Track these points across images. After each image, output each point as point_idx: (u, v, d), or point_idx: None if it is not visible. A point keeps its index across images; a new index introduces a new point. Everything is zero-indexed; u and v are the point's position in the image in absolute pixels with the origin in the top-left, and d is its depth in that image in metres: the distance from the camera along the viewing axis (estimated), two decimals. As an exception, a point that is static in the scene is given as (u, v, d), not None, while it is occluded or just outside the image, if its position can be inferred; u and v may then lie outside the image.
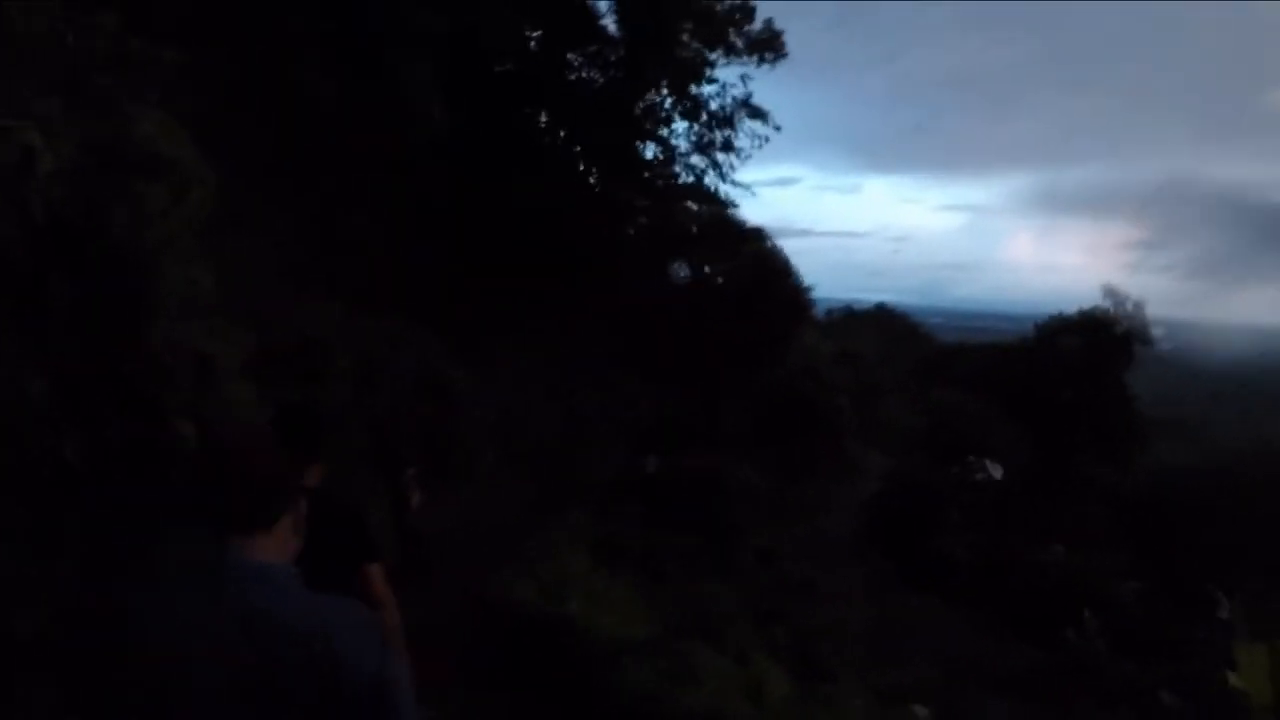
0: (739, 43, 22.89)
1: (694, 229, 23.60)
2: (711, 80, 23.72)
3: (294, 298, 9.88)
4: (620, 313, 20.70)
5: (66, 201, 3.51)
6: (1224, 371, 74.28)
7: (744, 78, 23.65)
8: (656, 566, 12.67)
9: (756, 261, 23.27)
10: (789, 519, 20.76)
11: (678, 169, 24.37)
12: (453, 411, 12.27)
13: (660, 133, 24.05)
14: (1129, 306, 34.25)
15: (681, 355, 20.91)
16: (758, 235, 23.90)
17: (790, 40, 23.55)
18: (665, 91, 23.55)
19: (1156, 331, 37.03)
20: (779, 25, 23.41)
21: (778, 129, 24.17)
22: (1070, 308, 36.02)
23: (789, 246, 25.37)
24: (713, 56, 23.09)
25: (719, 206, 24.00)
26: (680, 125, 24.20)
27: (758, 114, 24.01)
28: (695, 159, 24.30)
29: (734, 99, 23.84)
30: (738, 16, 22.84)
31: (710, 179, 24.21)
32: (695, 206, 24.19)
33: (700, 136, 24.21)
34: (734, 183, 24.23)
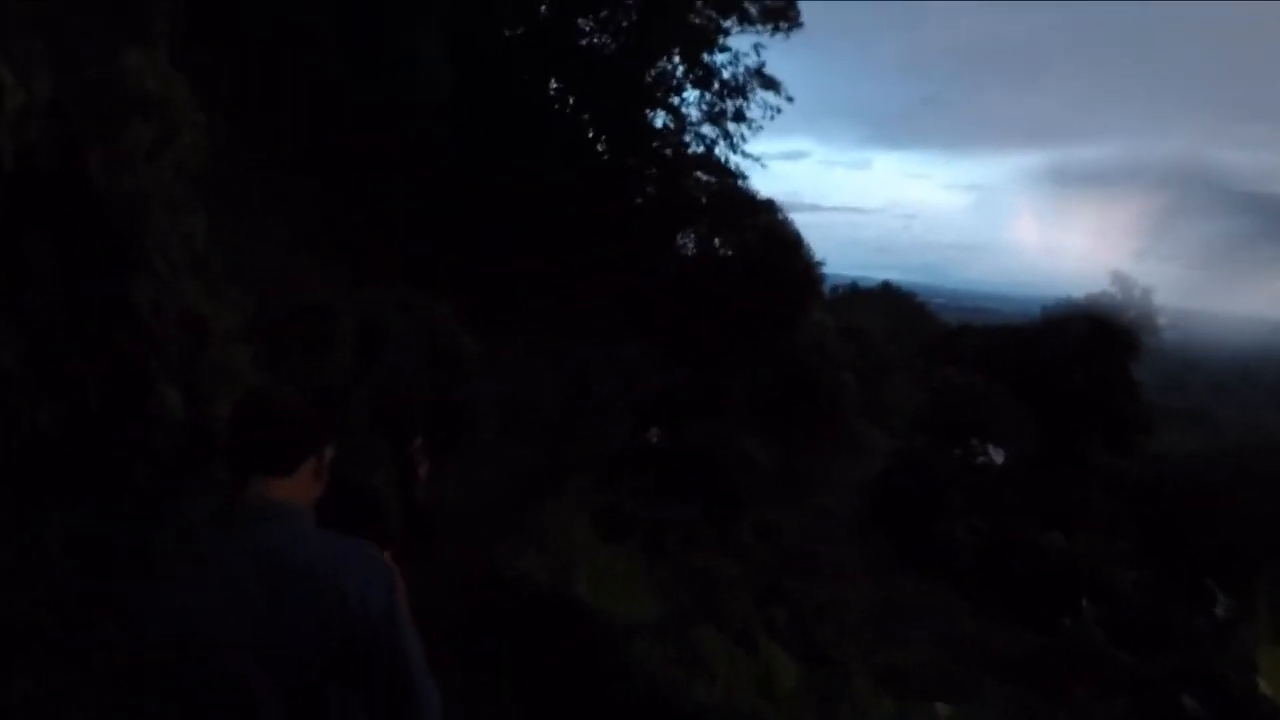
0: (753, 10, 22.45)
1: (704, 200, 23.28)
2: (724, 49, 23.36)
3: (299, 262, 9.68)
4: (628, 283, 20.48)
5: (41, 144, 3.17)
6: (1227, 362, 74.13)
7: (757, 47, 23.26)
8: (658, 539, 12.58)
9: (767, 234, 22.99)
10: (791, 495, 20.69)
11: (688, 138, 24.03)
12: (459, 380, 12.10)
13: (671, 101, 23.73)
14: (1136, 294, 34.05)
15: (689, 327, 20.72)
16: (769, 207, 23.58)
17: (801, 8, 23.17)
18: (677, 59, 23.16)
19: (1161, 320, 36.86)
20: (791, -7, 22.97)
21: (790, 100, 23.78)
22: (1076, 292, 35.87)
23: (796, 221, 25.10)
24: (726, 24, 22.67)
25: (729, 177, 23.67)
26: (691, 94, 23.88)
27: (770, 84, 23.63)
28: (706, 129, 23.99)
29: (746, 68, 23.48)
30: (752, -16, 22.39)
31: (720, 149, 23.90)
32: (705, 177, 23.84)
33: (711, 106, 23.87)
34: (744, 154, 23.94)
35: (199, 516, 3.63)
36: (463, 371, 12.92)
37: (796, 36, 23.39)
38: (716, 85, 23.50)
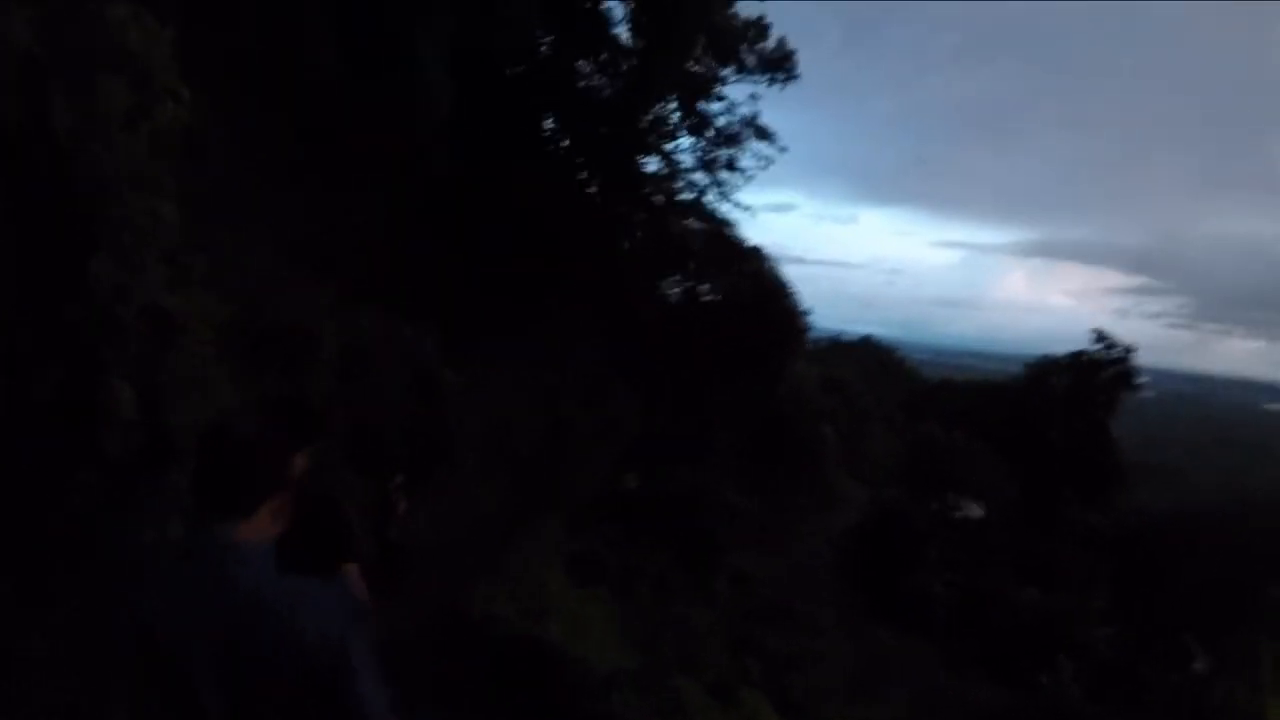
0: (751, 60, 22.77)
1: (694, 245, 23.40)
2: (720, 97, 23.64)
3: (283, 275, 9.58)
4: (614, 324, 20.46)
5: (8, 99, 2.91)
6: (1204, 421, 74.90)
7: (753, 96, 23.57)
8: (631, 586, 12.42)
9: (756, 281, 23.08)
10: (767, 544, 20.56)
11: (680, 184, 24.22)
12: (439, 412, 11.97)
13: (665, 147, 23.92)
14: (1118, 351, 34.41)
15: (673, 370, 20.68)
16: (757, 255, 23.71)
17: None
18: (673, 105, 23.42)
19: (1141, 379, 37.20)
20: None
21: (783, 150, 24.07)
22: (1058, 350, 36.20)
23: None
24: (724, 73, 22.98)
25: (718, 225, 23.83)
26: (685, 141, 24.09)
27: (764, 134, 23.88)
28: (698, 176, 24.18)
29: (741, 117, 23.74)
30: (751, 33, 22.73)
31: (711, 197, 24.08)
32: (694, 223, 24.00)
33: (705, 153, 24.08)
34: (734, 203, 24.14)
35: (147, 533, 3.46)
36: (442, 404, 12.78)
37: (788, 91, 23.78)
38: (711, 133, 23.76)
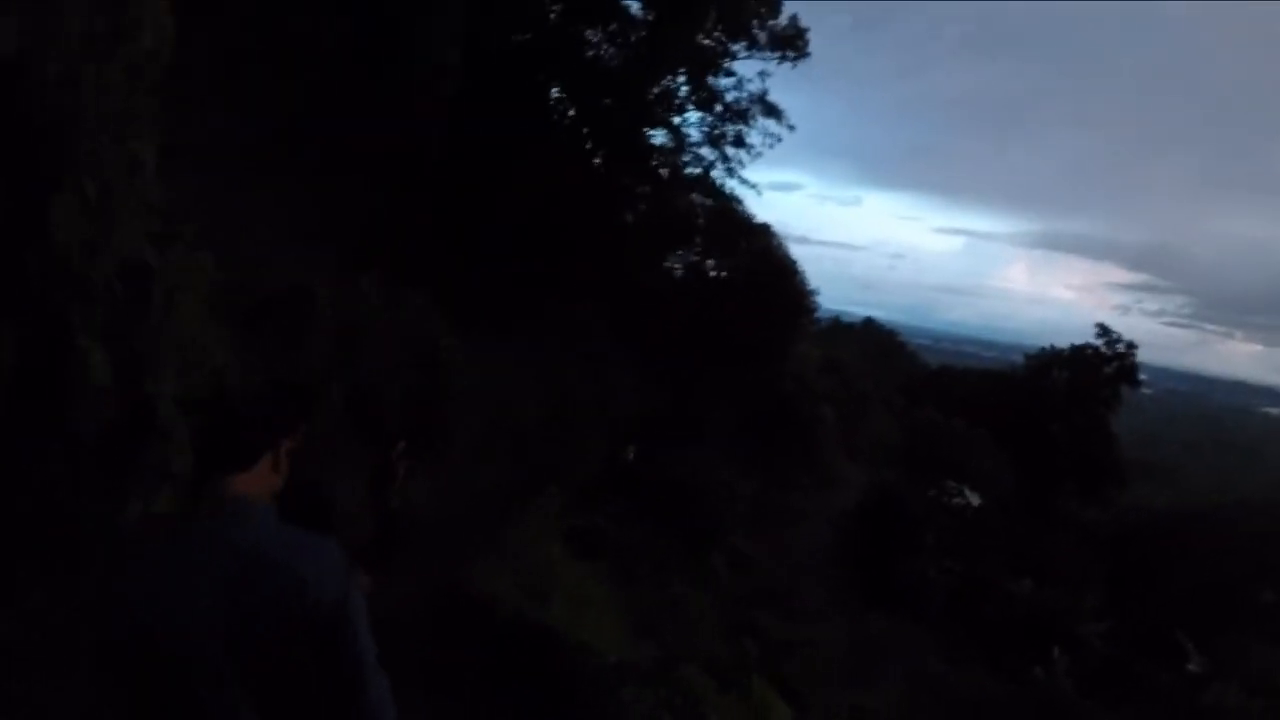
0: (762, 36, 22.40)
1: (699, 220, 23.10)
2: (729, 73, 23.27)
3: (285, 242, 9.33)
4: (618, 299, 20.21)
5: None
6: (1201, 421, 75.06)
7: (762, 74, 23.21)
8: (630, 564, 12.27)
9: (763, 258, 22.79)
10: (765, 525, 20.44)
11: (686, 159, 23.89)
12: (440, 382, 11.77)
13: (672, 120, 23.58)
14: (1121, 347, 34.29)
15: (675, 347, 20.47)
16: (764, 232, 23.40)
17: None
18: (682, 79, 23.06)
19: (1141, 375, 37.13)
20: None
21: (791, 129, 23.74)
22: (1059, 341, 36.10)
23: (786, 252, 24.91)
24: (734, 48, 22.60)
25: (725, 200, 23.53)
26: (693, 115, 23.75)
27: (772, 111, 23.52)
28: (705, 151, 23.84)
29: (750, 94, 23.38)
30: (763, 10, 22.34)
31: (718, 173, 23.78)
32: (700, 198, 23.71)
33: (712, 128, 23.74)
34: (741, 179, 23.83)
35: (132, 505, 3.22)
36: (443, 373, 12.58)
37: (796, 71, 23.43)
38: (719, 108, 23.40)
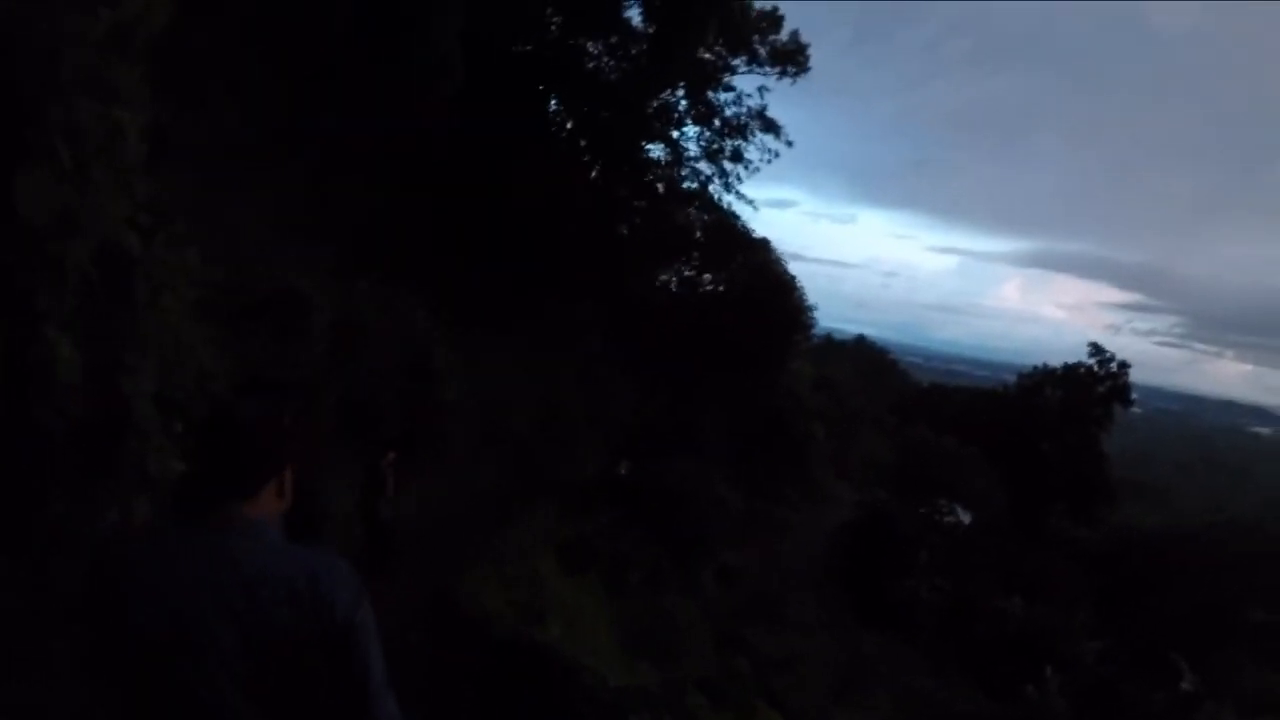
0: (763, 51, 22.46)
1: (697, 234, 23.08)
2: (728, 88, 23.33)
3: (278, 245, 9.23)
4: (614, 309, 20.15)
5: None
6: (1191, 441, 75.24)
7: (762, 89, 23.26)
8: (621, 575, 12.15)
9: (761, 272, 22.74)
10: (754, 539, 20.33)
11: (684, 173, 23.91)
12: (433, 389, 11.66)
13: (670, 134, 23.60)
14: (1113, 366, 34.37)
15: (672, 358, 20.39)
16: (763, 247, 23.37)
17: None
18: (681, 93, 23.10)
19: (1131, 395, 37.21)
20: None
21: (790, 144, 23.77)
22: (1050, 360, 36.15)
23: (779, 269, 24.87)
24: (734, 62, 22.66)
25: (722, 215, 23.52)
26: (691, 129, 23.77)
27: (771, 126, 23.57)
28: (702, 165, 23.86)
29: (749, 109, 23.43)
30: (764, 25, 22.42)
31: (715, 188, 23.79)
32: (698, 213, 23.70)
33: (710, 143, 23.77)
34: (738, 194, 23.83)
35: (109, 514, 3.09)
36: (437, 381, 12.47)
37: (793, 87, 23.48)
38: (717, 123, 23.45)
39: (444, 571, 7.65)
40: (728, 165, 23.79)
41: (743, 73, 22.89)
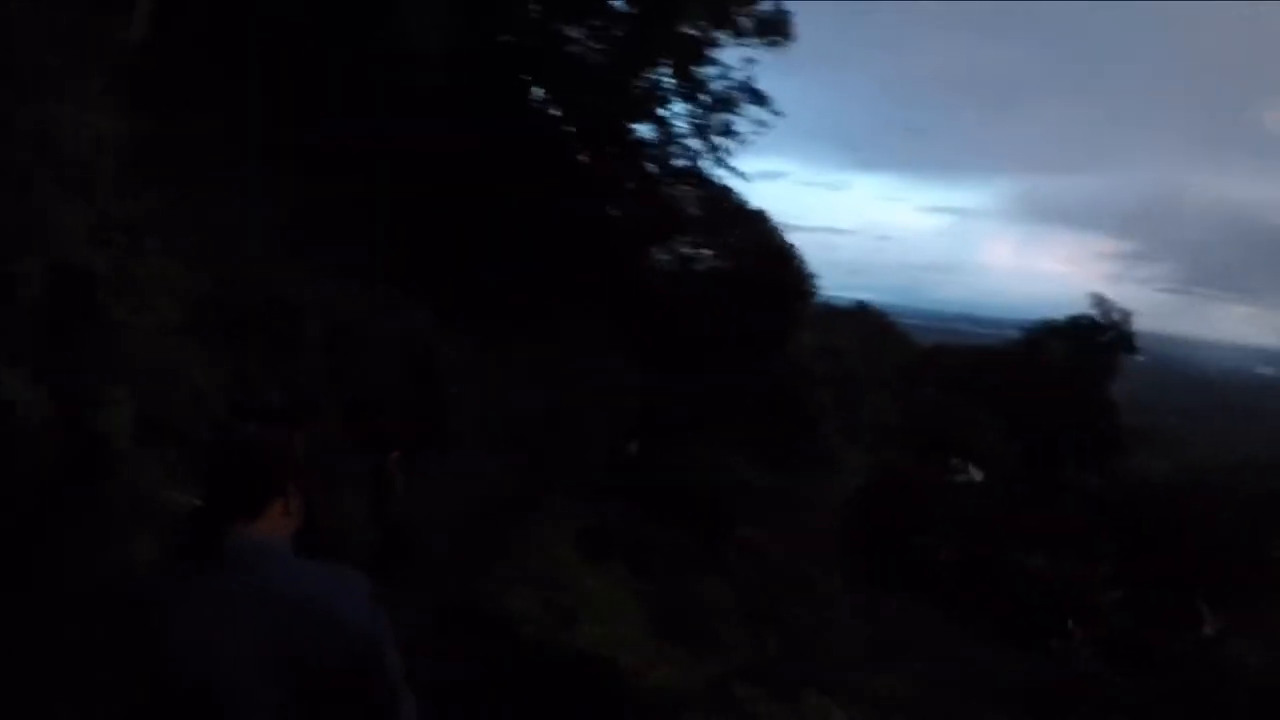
0: (746, 23, 22.15)
1: (692, 210, 22.86)
2: (714, 62, 23.04)
3: (267, 254, 9.08)
4: (614, 293, 20.01)
5: None
6: (1197, 385, 75.21)
7: (748, 60, 22.97)
8: (644, 561, 12.08)
9: (760, 245, 22.53)
10: (772, 513, 20.29)
11: (674, 150, 23.65)
12: (435, 387, 11.54)
13: (658, 112, 23.32)
14: (1116, 315, 34.30)
15: (675, 338, 20.27)
16: (759, 218, 23.11)
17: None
18: (666, 70, 22.81)
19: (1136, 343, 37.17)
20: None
21: (779, 115, 23.51)
22: (1050, 315, 36.08)
23: (774, 240, 24.66)
24: (718, 36, 22.36)
25: (717, 190, 23.29)
26: (679, 106, 23.49)
27: (759, 98, 23.30)
28: (692, 142, 23.59)
29: (735, 82, 23.14)
30: (746, -5, 22.11)
31: (707, 163, 23.53)
32: (692, 189, 23.48)
33: (699, 119, 23.50)
34: (730, 168, 23.59)
35: (111, 550, 2.96)
36: (438, 379, 12.36)
37: (777, 59, 23.19)
38: (704, 98, 23.16)
39: (462, 572, 7.56)
40: (717, 140, 23.53)
41: (727, 45, 22.61)
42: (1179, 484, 29.43)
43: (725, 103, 23.18)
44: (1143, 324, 42.62)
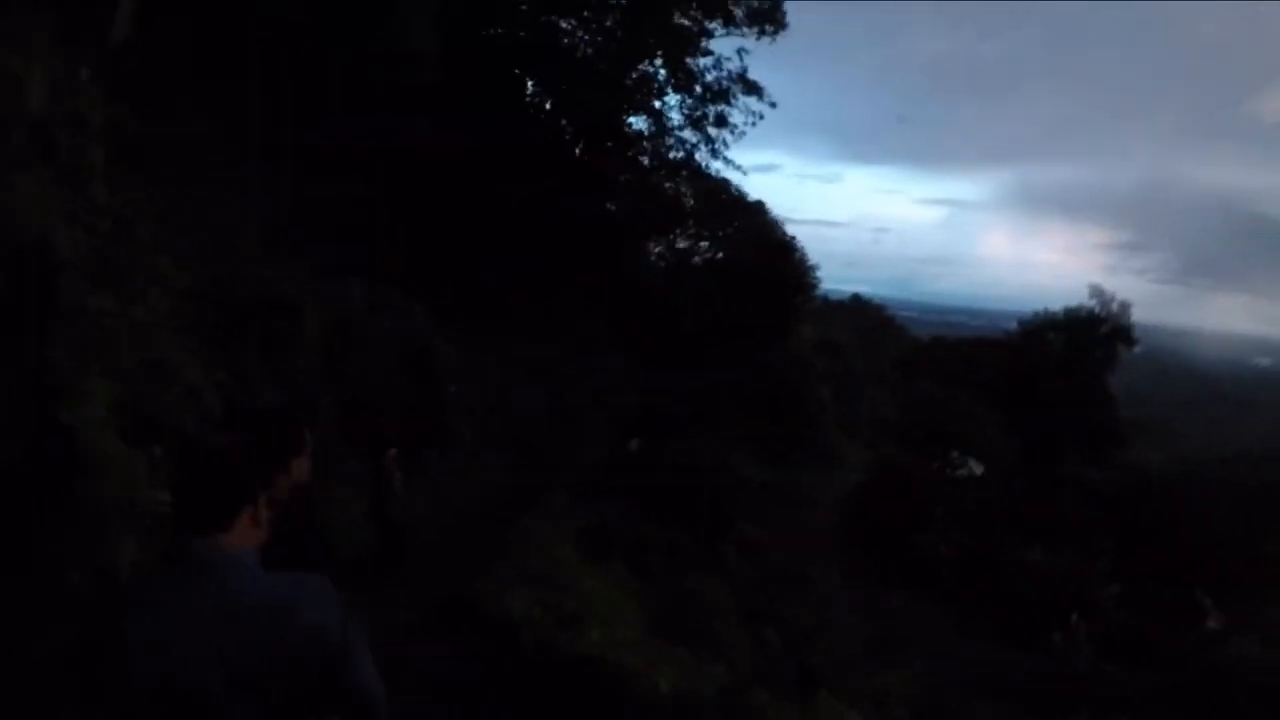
0: (739, 13, 21.98)
1: (688, 203, 22.67)
2: (707, 52, 22.87)
3: (263, 254, 8.93)
4: (611, 289, 19.85)
5: None
6: (1192, 376, 75.18)
7: (740, 51, 22.81)
8: (643, 558, 11.96)
9: (760, 237, 22.33)
10: (771, 509, 20.19)
11: (669, 142, 23.49)
12: (434, 386, 11.41)
13: (652, 104, 23.16)
14: (1114, 307, 34.23)
15: (674, 332, 20.10)
16: (758, 210, 22.89)
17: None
18: (659, 62, 22.64)
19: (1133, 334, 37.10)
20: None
21: (773, 105, 23.34)
22: (1045, 305, 36.02)
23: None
24: (711, 26, 22.19)
25: (713, 182, 23.13)
26: (673, 98, 23.33)
27: (753, 88, 23.13)
28: (687, 133, 23.43)
29: (729, 72, 22.98)
30: (737, -16, 21.93)
31: (701, 155, 23.38)
32: (687, 182, 23.31)
33: (693, 110, 23.34)
34: (726, 160, 23.43)
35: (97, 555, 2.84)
36: (438, 379, 12.23)
37: (770, 51, 23.02)
38: (698, 89, 23.01)
39: (460, 572, 7.45)
40: (712, 131, 23.38)
41: (720, 36, 22.44)
42: (1174, 476, 29.36)
43: (719, 93, 23.05)
44: (1138, 315, 42.65)
